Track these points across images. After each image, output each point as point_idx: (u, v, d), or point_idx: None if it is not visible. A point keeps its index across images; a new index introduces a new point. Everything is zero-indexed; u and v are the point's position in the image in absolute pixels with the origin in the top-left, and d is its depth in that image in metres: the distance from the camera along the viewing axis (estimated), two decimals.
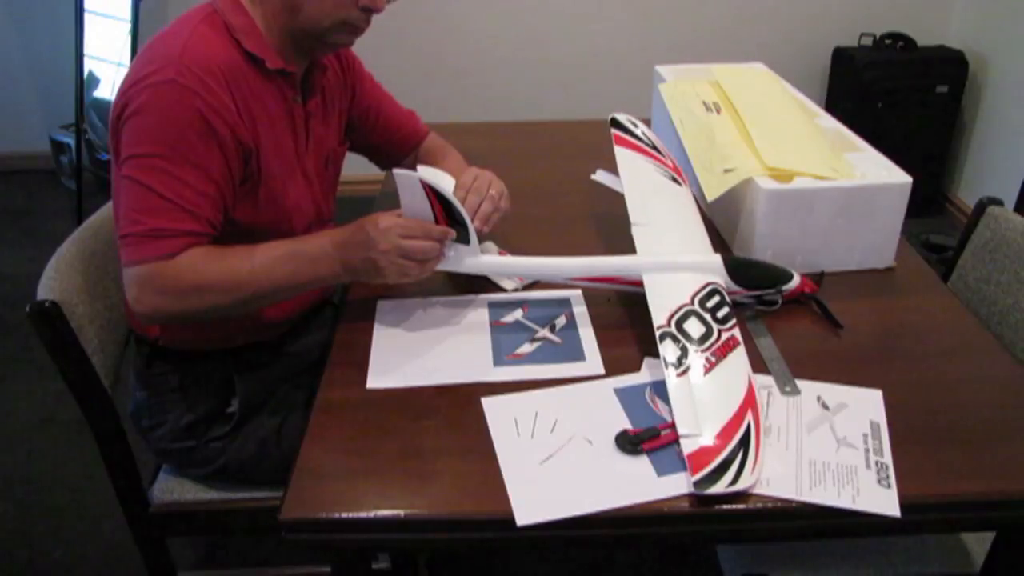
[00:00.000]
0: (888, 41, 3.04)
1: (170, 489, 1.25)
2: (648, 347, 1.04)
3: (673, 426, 0.91)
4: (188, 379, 1.21)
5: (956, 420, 0.94)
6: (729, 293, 1.10)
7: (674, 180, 1.32)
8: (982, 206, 1.35)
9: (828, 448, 0.89)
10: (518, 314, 1.14)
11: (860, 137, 1.38)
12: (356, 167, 1.58)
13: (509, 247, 1.27)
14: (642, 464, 0.87)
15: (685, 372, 0.95)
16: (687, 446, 0.86)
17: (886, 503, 0.83)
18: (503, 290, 1.21)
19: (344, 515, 0.82)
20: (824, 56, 3.18)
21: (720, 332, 1.01)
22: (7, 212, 3.28)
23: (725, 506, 0.83)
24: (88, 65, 3.03)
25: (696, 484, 0.82)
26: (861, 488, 0.84)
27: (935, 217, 3.19)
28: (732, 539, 1.10)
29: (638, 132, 1.39)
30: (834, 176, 1.22)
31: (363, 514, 0.82)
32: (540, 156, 1.75)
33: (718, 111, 1.48)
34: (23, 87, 3.42)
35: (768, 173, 1.23)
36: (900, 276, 1.27)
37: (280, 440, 1.20)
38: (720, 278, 1.10)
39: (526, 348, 1.07)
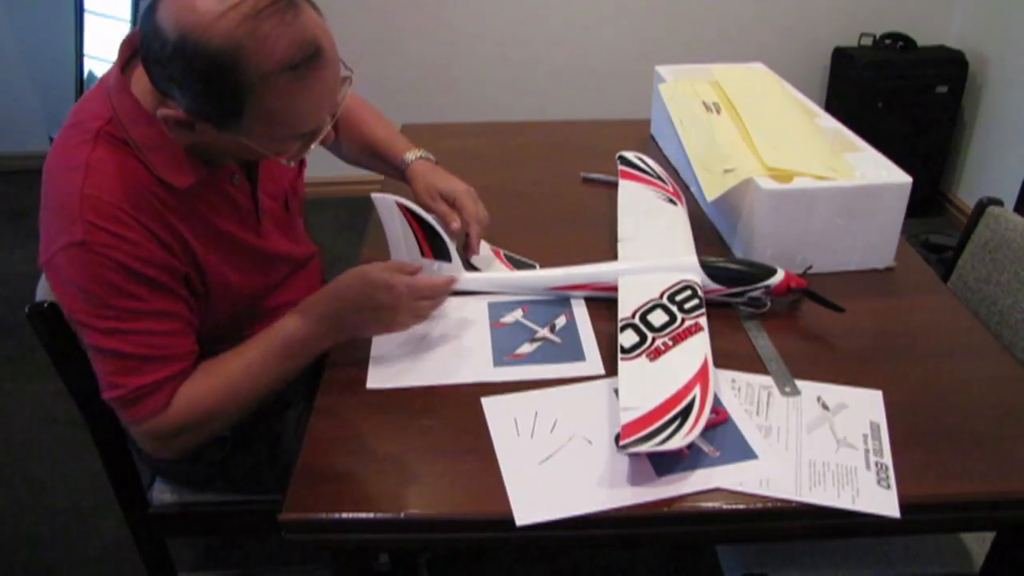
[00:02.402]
0: (888, 41, 3.04)
1: (170, 489, 1.25)
2: None
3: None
4: None
5: (956, 420, 0.94)
6: (709, 292, 1.11)
7: (671, 201, 1.33)
8: (982, 206, 1.35)
9: (828, 448, 0.89)
10: (518, 314, 1.14)
11: (860, 137, 1.38)
12: (350, 168, 1.58)
13: (507, 247, 1.27)
14: (642, 464, 0.87)
15: (638, 356, 0.96)
16: (625, 417, 0.86)
17: (886, 503, 0.83)
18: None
19: (344, 515, 0.82)
20: (824, 56, 3.18)
21: (683, 320, 1.03)
22: (7, 212, 3.28)
23: (725, 506, 0.83)
24: (88, 65, 3.02)
25: (620, 448, 0.83)
26: (861, 488, 0.84)
27: (935, 217, 3.19)
28: (732, 539, 1.10)
29: (643, 166, 1.42)
30: (834, 176, 1.22)
31: (363, 514, 0.82)
32: (538, 156, 1.75)
33: (718, 111, 1.48)
34: (23, 87, 3.42)
35: (768, 173, 1.23)
36: (900, 276, 1.27)
37: (275, 461, 1.19)
38: (696, 276, 1.11)
39: (526, 348, 1.07)
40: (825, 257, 1.24)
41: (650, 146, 1.76)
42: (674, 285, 1.09)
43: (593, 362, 1.04)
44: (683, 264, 1.13)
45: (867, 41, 3.08)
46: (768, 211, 1.20)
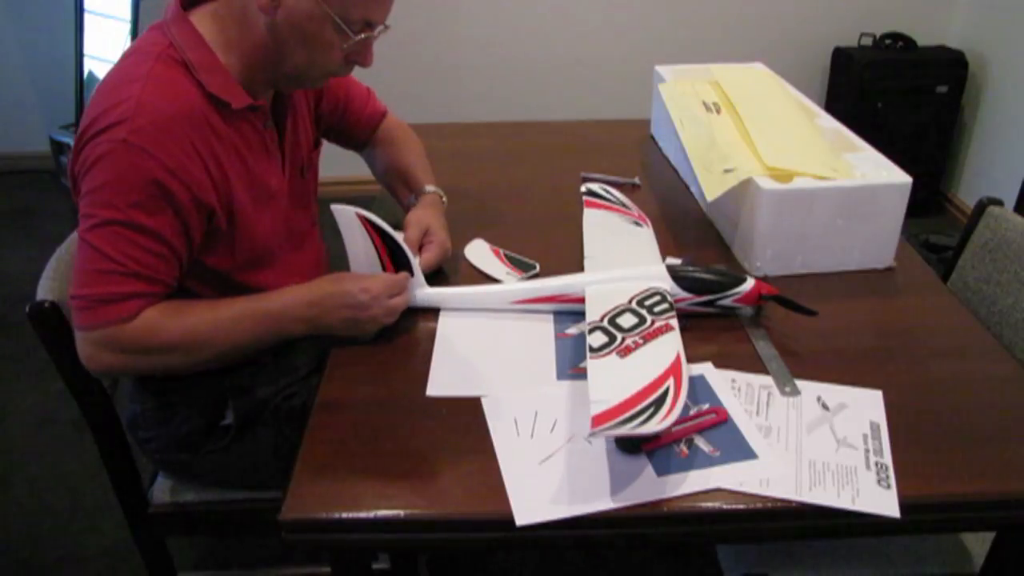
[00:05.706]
0: (888, 41, 3.04)
1: (170, 489, 1.25)
2: None
3: (673, 426, 0.91)
4: (178, 396, 1.18)
5: (956, 420, 0.94)
6: (678, 300, 1.10)
7: (636, 224, 1.33)
8: (982, 206, 1.35)
9: (828, 448, 0.89)
10: (583, 326, 1.11)
11: (860, 137, 1.38)
12: (355, 167, 1.58)
13: (507, 247, 1.27)
14: (642, 464, 0.87)
15: (608, 355, 0.95)
16: (595, 409, 0.84)
17: (886, 503, 0.83)
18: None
19: (344, 515, 0.82)
20: (824, 56, 3.18)
21: (653, 321, 1.02)
22: (7, 212, 3.28)
23: (725, 506, 0.83)
24: (88, 65, 3.03)
25: (592, 434, 0.82)
26: (861, 488, 0.84)
27: (935, 217, 3.19)
28: (732, 539, 1.10)
29: (609, 196, 1.43)
30: (834, 176, 1.22)
31: (363, 514, 0.82)
32: (538, 156, 1.75)
33: (718, 111, 1.48)
34: (23, 87, 3.42)
35: (768, 173, 1.23)
36: (900, 276, 1.27)
37: (278, 451, 1.19)
38: (665, 284, 1.10)
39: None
40: (825, 257, 1.24)
41: (650, 146, 1.77)
42: (643, 292, 1.08)
43: None
44: (651, 273, 1.12)
45: (867, 41, 3.08)
46: (768, 211, 1.20)
